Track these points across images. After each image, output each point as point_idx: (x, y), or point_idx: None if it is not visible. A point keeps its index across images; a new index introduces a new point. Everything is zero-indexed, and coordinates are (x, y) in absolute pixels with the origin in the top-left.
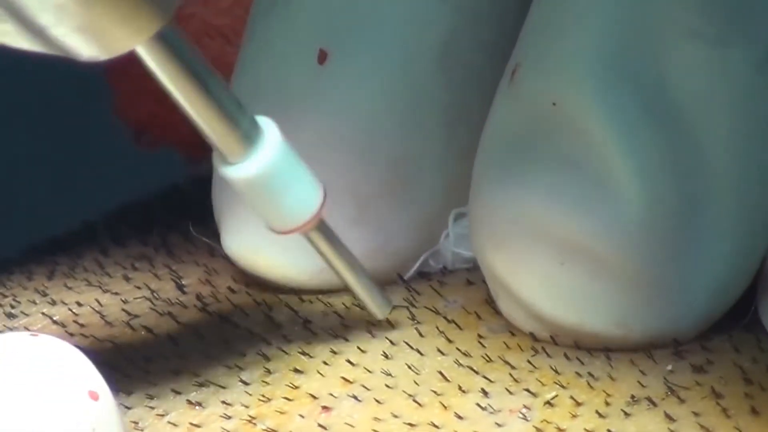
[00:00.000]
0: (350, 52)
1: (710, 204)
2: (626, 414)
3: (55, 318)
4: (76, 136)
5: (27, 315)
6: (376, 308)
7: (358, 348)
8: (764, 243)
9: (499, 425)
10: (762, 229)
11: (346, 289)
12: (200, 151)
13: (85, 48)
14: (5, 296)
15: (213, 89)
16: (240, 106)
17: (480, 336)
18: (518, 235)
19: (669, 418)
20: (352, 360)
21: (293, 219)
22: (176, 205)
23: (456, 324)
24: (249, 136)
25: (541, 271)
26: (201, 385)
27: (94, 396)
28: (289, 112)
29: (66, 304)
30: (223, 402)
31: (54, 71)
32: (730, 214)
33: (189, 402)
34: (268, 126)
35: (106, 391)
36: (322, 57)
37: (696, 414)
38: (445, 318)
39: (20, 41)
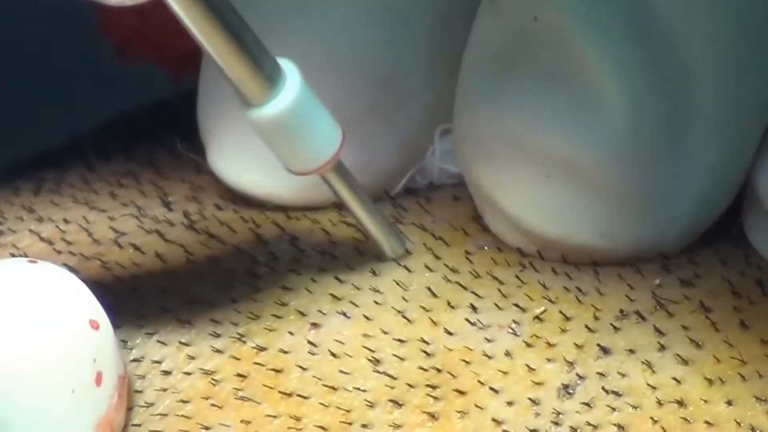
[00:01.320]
0: None
1: (694, 116)
2: (615, 328)
3: (42, 235)
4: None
5: (14, 232)
6: (389, 248)
7: (346, 265)
8: (749, 155)
9: (489, 340)
10: (746, 142)
11: (331, 206)
12: (183, 67)
13: None
14: None
15: (238, 32)
16: (263, 48)
17: (467, 252)
18: (503, 149)
19: (658, 331)
20: (340, 277)
21: (313, 160)
22: (163, 120)
23: (443, 240)
24: (271, 78)
25: (527, 184)
26: (190, 302)
27: (94, 325)
28: (273, 32)
29: (53, 221)
30: (212, 320)
31: None
32: (713, 126)
33: (178, 320)
34: (289, 68)
35: (106, 320)
36: None
37: (685, 327)
38: (432, 234)
39: None
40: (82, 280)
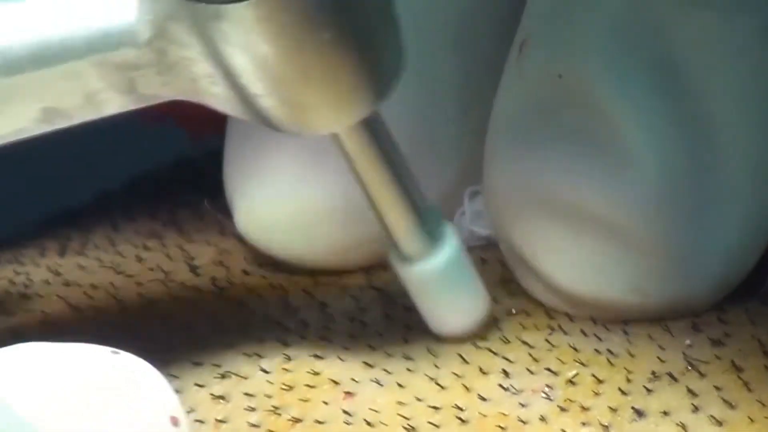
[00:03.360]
0: None
1: (720, 171)
2: (648, 390)
3: (70, 301)
4: None
5: (41, 296)
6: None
7: (376, 332)
8: None
9: (523, 405)
10: None
11: (359, 269)
12: (201, 124)
13: (290, 122)
14: (19, 274)
15: (406, 183)
16: (425, 203)
17: (495, 317)
18: (533, 207)
19: (691, 392)
20: (371, 344)
21: (464, 322)
22: (187, 179)
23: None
24: (432, 234)
25: (557, 242)
26: (223, 376)
27: (174, 422)
28: None
29: (80, 285)
30: (246, 394)
31: None
32: (740, 181)
33: (212, 395)
34: (447, 227)
35: (183, 415)
36: None
37: (718, 388)
38: None
39: (224, 105)
40: (115, 351)
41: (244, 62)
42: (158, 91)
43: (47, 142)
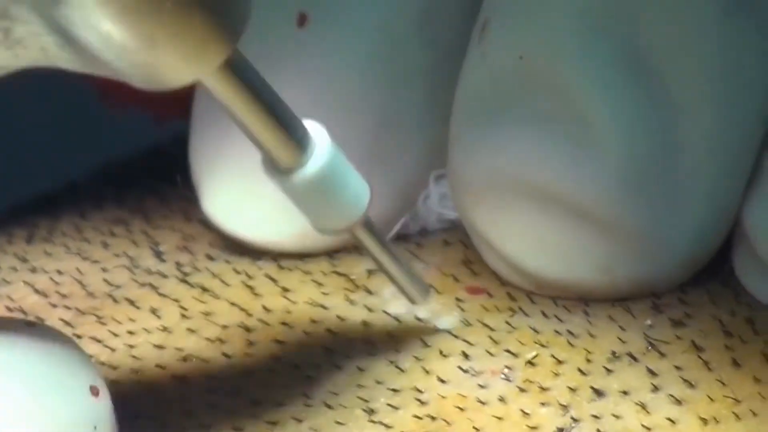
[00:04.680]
0: (330, 15)
1: (686, 151)
2: (608, 370)
3: (36, 287)
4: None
5: (8, 282)
6: (417, 296)
7: (338, 317)
8: (740, 190)
9: (482, 387)
10: (738, 176)
11: (324, 254)
12: (168, 110)
13: (147, 81)
14: None
15: (273, 106)
16: (292, 115)
17: (458, 299)
18: (497, 189)
19: (651, 372)
20: (332, 328)
21: (346, 218)
22: (155, 166)
23: (434, 287)
24: (302, 143)
25: (522, 224)
26: (185, 359)
27: (95, 392)
28: (268, 75)
29: (46, 272)
30: (207, 376)
31: None
32: (706, 161)
33: (173, 377)
34: (316, 130)
35: (104, 386)
36: (302, 20)
37: (678, 368)
38: None
39: (82, 68)
40: (79, 336)
41: (88, 38)
42: (9, 62)
43: (13, 131)
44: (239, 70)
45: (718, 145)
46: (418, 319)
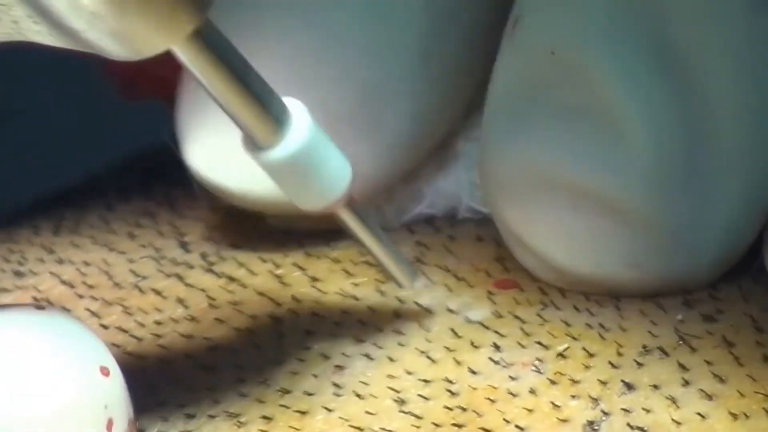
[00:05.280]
0: None
1: (716, 146)
2: (639, 364)
3: (63, 278)
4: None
5: (35, 274)
6: (404, 280)
7: (368, 308)
8: None
9: (513, 378)
10: None
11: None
12: None
13: (119, 50)
14: (13, 252)
15: (247, 80)
16: (270, 91)
17: (489, 293)
18: (528, 185)
19: (682, 367)
20: (362, 319)
21: (326, 197)
22: (178, 157)
23: (466, 281)
24: (279, 119)
25: (552, 219)
26: (213, 349)
27: (105, 372)
28: (264, 24)
29: (73, 263)
30: (236, 365)
31: None
32: (736, 156)
33: (202, 365)
34: (296, 107)
35: (115, 367)
36: None
37: (708, 363)
38: (455, 276)
39: (53, 40)
40: (106, 326)
41: (58, 6)
42: None
43: (37, 124)
44: (210, 41)
45: (747, 140)
46: (450, 311)
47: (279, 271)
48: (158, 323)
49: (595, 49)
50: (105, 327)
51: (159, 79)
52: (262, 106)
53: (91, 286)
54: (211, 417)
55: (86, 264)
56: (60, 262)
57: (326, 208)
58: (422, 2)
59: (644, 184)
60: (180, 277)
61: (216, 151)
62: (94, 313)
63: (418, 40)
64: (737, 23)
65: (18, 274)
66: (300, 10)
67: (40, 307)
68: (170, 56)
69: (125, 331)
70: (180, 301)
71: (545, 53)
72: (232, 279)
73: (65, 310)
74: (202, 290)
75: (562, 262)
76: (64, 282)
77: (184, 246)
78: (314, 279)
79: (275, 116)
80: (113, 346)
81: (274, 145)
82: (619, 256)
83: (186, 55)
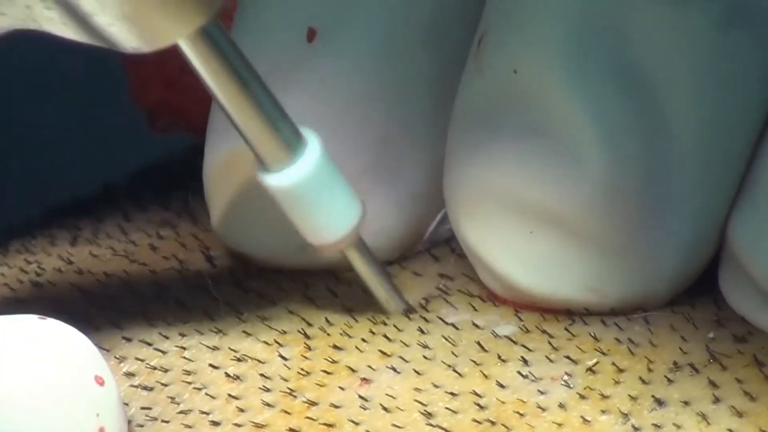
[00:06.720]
0: (337, 30)
1: (675, 167)
2: (669, 380)
3: (83, 288)
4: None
5: (53, 284)
6: (390, 307)
7: (395, 326)
8: (728, 206)
9: (542, 392)
10: (727, 192)
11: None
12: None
13: (127, 38)
14: (30, 263)
15: (255, 90)
16: (282, 112)
17: (516, 310)
18: (488, 205)
19: (712, 384)
20: (389, 336)
21: (330, 233)
22: (197, 169)
23: (492, 303)
24: (290, 143)
25: (512, 240)
26: (239, 360)
27: (99, 381)
28: (277, 89)
29: (93, 273)
30: (262, 375)
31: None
32: (694, 176)
33: (227, 375)
34: (309, 135)
35: (110, 377)
36: (311, 35)
37: (739, 381)
38: (480, 298)
39: (64, 29)
40: (128, 337)
41: None
42: None
43: (51, 134)
44: (220, 43)
45: (707, 160)
46: (476, 326)
47: (309, 292)
48: (183, 335)
49: (556, 67)
50: (128, 339)
51: (185, 112)
52: (272, 124)
53: (112, 297)
54: (237, 426)
55: (106, 275)
56: (79, 273)
57: (333, 244)
58: (428, 50)
59: (599, 204)
60: (206, 290)
61: (242, 220)
62: (115, 325)
63: (427, 88)
64: (701, 41)
65: (36, 285)
66: (310, 66)
67: (42, 318)
68: (192, 89)
69: (149, 344)
70: (206, 313)
71: (508, 72)
72: (261, 295)
73: (86, 322)
74: (229, 304)
75: (519, 282)
76: (84, 292)
77: (210, 260)
78: (344, 300)
79: (286, 139)
80: (136, 360)
81: (283, 168)
82: (578, 279)
83: (193, 52)
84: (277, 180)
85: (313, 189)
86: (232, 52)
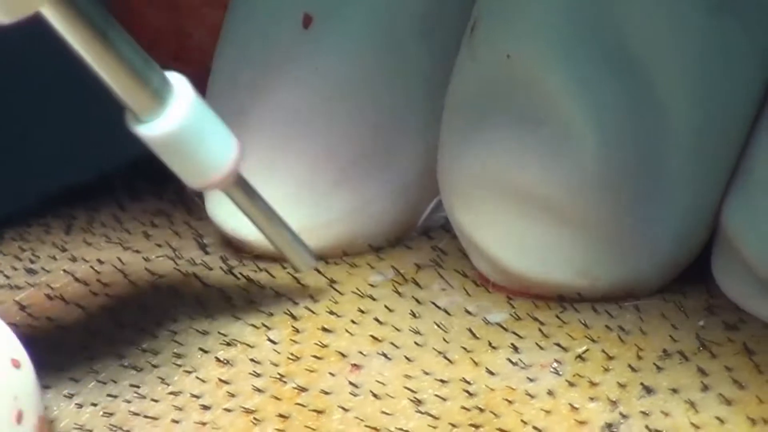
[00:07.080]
0: (334, 16)
1: (668, 153)
2: (658, 368)
3: (77, 275)
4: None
5: (48, 271)
6: (300, 263)
7: (386, 307)
8: (721, 192)
9: (531, 380)
10: (719, 178)
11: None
12: None
13: None
14: (24, 250)
15: (120, 46)
16: (149, 63)
17: (509, 297)
18: (481, 190)
19: (702, 372)
20: (380, 319)
21: (209, 174)
22: None
23: (484, 287)
24: (160, 92)
25: (506, 225)
26: (229, 344)
27: (16, 364)
28: (273, 75)
29: (87, 261)
30: (252, 360)
31: None
32: (687, 162)
33: (217, 359)
34: (179, 82)
35: (27, 360)
36: (307, 21)
37: (728, 369)
38: (473, 281)
39: None
40: (121, 323)
41: None
42: None
43: (46, 123)
44: (80, 3)
45: (700, 147)
46: (468, 312)
47: (297, 274)
48: (174, 320)
49: (547, 53)
50: (122, 325)
51: None
52: (139, 75)
53: (106, 284)
54: (227, 411)
55: (100, 262)
56: (73, 260)
57: (211, 185)
58: (424, 39)
59: (591, 190)
60: (198, 277)
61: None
62: (109, 311)
63: (421, 77)
64: (694, 28)
65: (30, 272)
66: (303, 55)
67: None
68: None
69: (142, 329)
70: (197, 299)
71: (501, 57)
72: (250, 281)
73: (79, 307)
74: (220, 290)
75: (512, 267)
76: (78, 280)
77: (204, 248)
78: (332, 281)
79: (155, 89)
80: (128, 344)
81: (153, 118)
82: (569, 263)
83: (54, 16)
84: (148, 130)
85: (185, 136)
86: (93, 9)
